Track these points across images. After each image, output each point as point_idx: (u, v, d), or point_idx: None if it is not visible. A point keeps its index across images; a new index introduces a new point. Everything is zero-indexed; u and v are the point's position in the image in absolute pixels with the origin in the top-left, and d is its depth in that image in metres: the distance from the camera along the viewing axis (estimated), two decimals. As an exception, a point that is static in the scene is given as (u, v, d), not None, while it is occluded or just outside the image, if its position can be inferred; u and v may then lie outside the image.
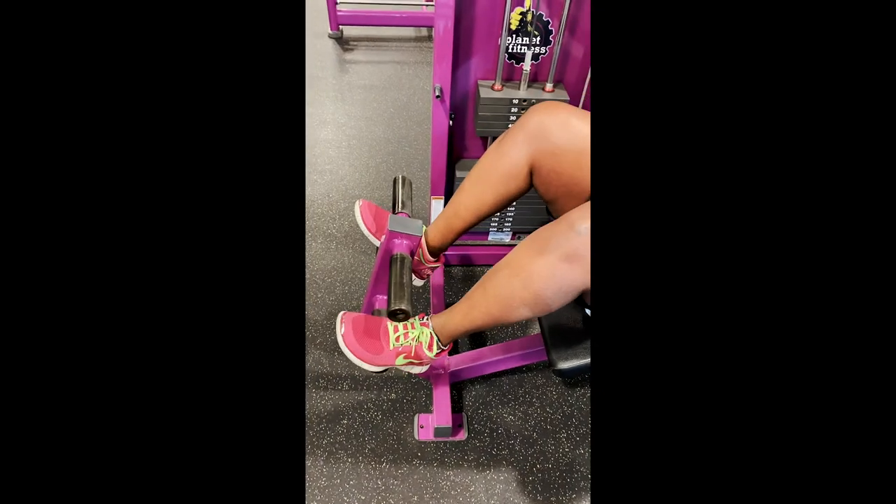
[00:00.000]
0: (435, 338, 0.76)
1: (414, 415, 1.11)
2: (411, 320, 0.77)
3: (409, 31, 2.63)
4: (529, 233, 0.66)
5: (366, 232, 0.90)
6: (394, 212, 0.94)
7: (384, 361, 0.75)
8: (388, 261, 0.82)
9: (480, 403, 1.16)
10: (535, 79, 1.11)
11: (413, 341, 0.75)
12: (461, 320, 0.73)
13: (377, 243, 0.88)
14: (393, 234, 0.80)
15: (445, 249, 0.91)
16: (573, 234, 0.57)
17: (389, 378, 1.19)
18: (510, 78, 1.10)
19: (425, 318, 0.79)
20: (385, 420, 1.11)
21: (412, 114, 2.06)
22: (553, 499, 1.01)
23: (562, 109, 0.74)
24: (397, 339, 0.75)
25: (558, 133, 0.72)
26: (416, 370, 0.80)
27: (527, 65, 1.03)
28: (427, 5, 2.50)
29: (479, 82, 1.08)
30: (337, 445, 1.06)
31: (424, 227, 0.89)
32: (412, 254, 0.86)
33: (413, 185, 1.03)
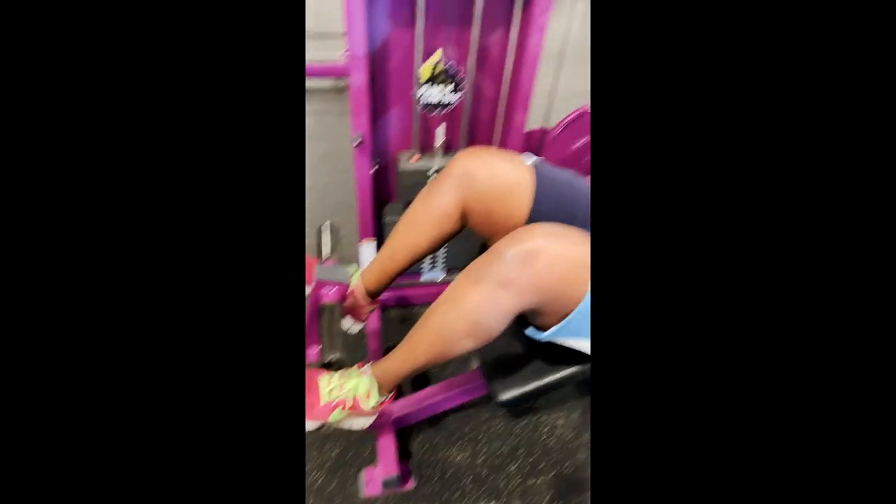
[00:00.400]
0: (374, 387, 0.74)
1: (359, 470, 1.06)
2: (348, 371, 0.75)
3: (327, 83, 2.67)
4: (462, 269, 0.69)
5: None
6: (320, 261, 0.93)
7: (317, 416, 0.72)
8: (318, 311, 0.80)
9: (428, 447, 1.13)
10: (450, 147, 1.18)
11: (348, 393, 0.73)
12: (403, 363, 0.72)
13: (307, 293, 0.86)
14: (320, 284, 0.79)
15: (382, 292, 0.91)
16: (502, 262, 0.60)
17: (330, 432, 1.13)
18: (426, 147, 1.16)
19: (364, 366, 0.77)
20: (328, 480, 1.05)
21: (336, 162, 2.07)
22: (509, 536, 0.99)
23: (485, 152, 0.79)
24: (330, 391, 0.72)
25: (483, 175, 0.77)
26: (357, 425, 0.78)
27: (439, 139, 1.10)
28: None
29: (399, 154, 1.13)
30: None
31: (358, 270, 0.89)
32: (344, 299, 0.85)
33: (341, 231, 1.03)
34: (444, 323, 0.66)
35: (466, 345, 0.67)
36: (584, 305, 0.63)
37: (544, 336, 0.71)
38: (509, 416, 1.21)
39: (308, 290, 0.83)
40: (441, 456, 1.11)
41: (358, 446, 1.11)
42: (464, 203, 0.79)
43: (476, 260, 0.66)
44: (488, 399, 1.22)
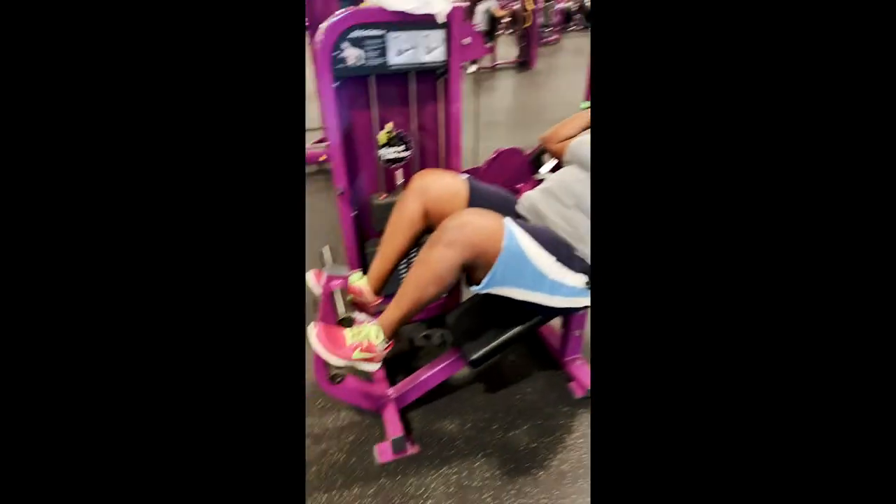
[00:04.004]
0: (381, 333, 1.05)
1: (372, 447, 1.30)
2: (362, 325, 1.06)
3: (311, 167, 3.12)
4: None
5: (313, 284, 1.18)
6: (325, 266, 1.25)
7: (344, 354, 1.01)
8: (331, 294, 1.11)
9: (424, 422, 1.39)
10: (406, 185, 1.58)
11: (364, 337, 1.04)
12: (395, 310, 1.04)
13: (318, 290, 1.17)
14: (330, 277, 1.12)
15: (383, 288, 1.23)
16: (446, 229, 0.97)
17: (345, 424, 1.38)
18: (392, 189, 1.57)
19: (373, 320, 1.08)
20: (348, 458, 1.28)
21: (320, 231, 2.45)
22: (500, 474, 1.25)
23: (433, 172, 1.19)
24: (352, 336, 1.03)
25: (435, 186, 1.16)
26: (369, 368, 1.07)
27: (399, 181, 1.52)
28: (314, 146, 3.08)
29: (371, 196, 1.53)
30: (310, 487, 1.20)
31: (362, 276, 1.22)
32: (346, 286, 1.16)
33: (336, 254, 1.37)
34: (415, 276, 1.00)
35: (432, 291, 1.00)
36: (501, 259, 0.97)
37: (480, 288, 1.05)
38: (487, 390, 1.50)
39: (321, 281, 1.14)
40: (436, 427, 1.37)
41: (369, 432, 1.35)
42: (424, 206, 1.17)
43: (433, 233, 1.02)
44: (467, 381, 1.49)
